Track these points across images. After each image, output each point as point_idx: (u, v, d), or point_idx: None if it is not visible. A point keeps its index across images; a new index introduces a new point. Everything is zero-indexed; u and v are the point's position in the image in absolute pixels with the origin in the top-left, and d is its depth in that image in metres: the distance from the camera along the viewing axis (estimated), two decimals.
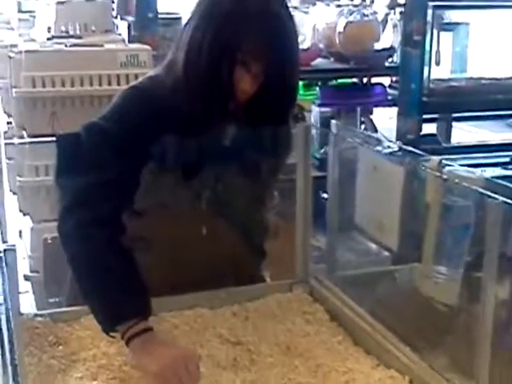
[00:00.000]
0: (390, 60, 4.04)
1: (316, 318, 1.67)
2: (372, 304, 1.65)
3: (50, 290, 2.48)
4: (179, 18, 4.30)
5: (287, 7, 1.57)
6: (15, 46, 3.14)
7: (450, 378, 1.38)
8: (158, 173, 1.59)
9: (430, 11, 3.66)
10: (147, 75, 1.68)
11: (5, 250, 0.93)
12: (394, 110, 3.92)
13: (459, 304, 1.50)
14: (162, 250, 1.63)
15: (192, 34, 1.53)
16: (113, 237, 1.49)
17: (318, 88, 3.98)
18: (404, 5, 3.86)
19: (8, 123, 3.29)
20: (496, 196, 1.19)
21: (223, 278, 1.72)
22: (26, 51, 2.87)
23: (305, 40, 4.02)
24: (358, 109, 3.89)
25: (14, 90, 2.88)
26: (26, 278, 2.73)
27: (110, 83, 2.89)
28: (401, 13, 4.01)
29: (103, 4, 3.70)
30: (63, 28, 3.40)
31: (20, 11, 4.93)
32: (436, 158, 1.42)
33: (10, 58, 3.01)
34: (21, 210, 2.89)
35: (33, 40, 3.45)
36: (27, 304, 2.60)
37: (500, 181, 1.26)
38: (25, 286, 2.75)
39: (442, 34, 4.08)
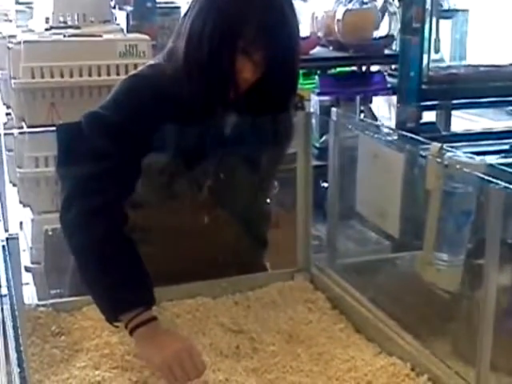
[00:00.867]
0: (389, 48, 4.02)
1: (318, 306, 1.67)
2: (373, 292, 1.65)
3: (52, 282, 2.48)
4: (178, 8, 4.28)
5: None
6: (14, 36, 3.13)
7: (452, 365, 1.38)
8: (159, 162, 1.59)
9: None
10: (147, 64, 1.68)
11: (7, 239, 0.93)
12: (394, 98, 3.92)
13: (461, 291, 1.50)
14: (164, 239, 1.63)
15: (193, 22, 1.52)
16: (115, 226, 1.49)
17: (316, 77, 3.96)
18: None
19: (7, 114, 3.28)
20: (498, 181, 1.19)
21: (225, 267, 1.72)
22: (25, 42, 2.86)
23: (303, 28, 4.01)
24: (358, 97, 3.88)
25: (12, 81, 2.87)
26: (27, 269, 2.73)
27: (108, 73, 2.88)
28: (399, 0, 3.99)
29: None
30: (61, 18, 3.38)
31: (17, 3, 4.91)
32: (437, 144, 1.42)
33: (9, 48, 2.99)
34: (21, 202, 2.89)
35: (31, 31, 3.43)
36: (28, 295, 2.61)
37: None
38: (26, 277, 2.75)
39: (441, 21, 4.07)
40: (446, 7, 4.53)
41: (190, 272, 1.66)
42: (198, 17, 1.52)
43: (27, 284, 2.75)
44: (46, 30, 3.27)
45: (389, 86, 3.97)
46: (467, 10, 5.06)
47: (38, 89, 2.83)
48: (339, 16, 3.80)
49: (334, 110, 1.76)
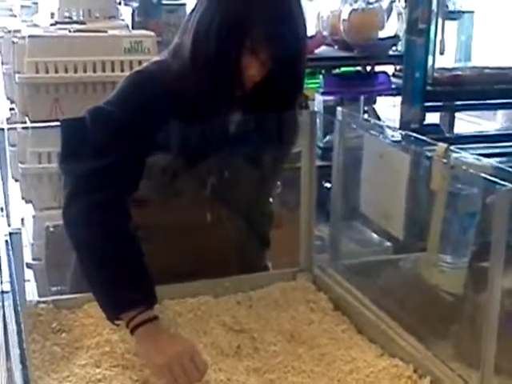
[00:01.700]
0: (394, 48, 4.01)
1: (320, 306, 1.66)
2: (376, 293, 1.64)
3: (52, 278, 2.47)
4: (183, 5, 4.27)
5: None
6: (18, 31, 3.12)
7: (455, 368, 1.37)
8: (163, 159, 1.58)
9: None
10: (153, 60, 1.67)
11: (10, 234, 0.92)
12: (398, 99, 3.91)
13: (465, 293, 1.50)
14: (167, 237, 1.63)
15: (200, 19, 1.52)
16: (118, 222, 1.48)
17: (321, 76, 3.95)
18: None
19: (11, 109, 3.27)
20: (504, 183, 1.18)
21: (227, 266, 1.72)
22: (30, 36, 2.85)
23: (309, 28, 3.99)
24: (362, 97, 3.87)
25: (17, 75, 2.86)
26: (28, 265, 2.72)
27: (113, 69, 2.87)
28: (405, 1, 3.98)
29: None
30: (66, 14, 3.37)
31: None
32: (443, 145, 1.41)
33: (14, 43, 2.99)
34: (23, 198, 2.88)
35: (36, 26, 3.43)
36: (29, 292, 2.60)
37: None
38: (27, 274, 2.74)
39: (447, 22, 4.05)
40: (451, 8, 4.53)
41: (192, 270, 1.66)
42: (205, 13, 1.51)
43: (28, 281, 2.74)
44: (51, 25, 3.27)
45: (393, 86, 3.96)
46: (473, 12, 5.06)
47: (41, 84, 2.81)
48: (345, 16, 3.79)
49: (339, 109, 1.75)
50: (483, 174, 1.27)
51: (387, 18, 4.03)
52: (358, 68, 4.03)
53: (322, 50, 3.89)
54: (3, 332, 1.10)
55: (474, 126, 5.37)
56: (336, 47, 3.95)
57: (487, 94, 4.03)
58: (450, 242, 1.51)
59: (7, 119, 3.19)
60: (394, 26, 4.14)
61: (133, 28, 3.54)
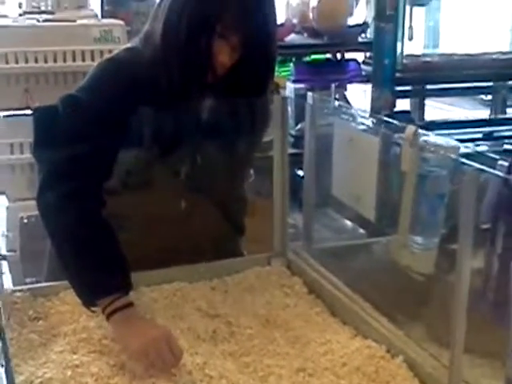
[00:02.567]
0: (363, 35, 4.04)
1: (294, 290, 1.68)
2: (350, 276, 1.66)
3: (27, 269, 2.47)
4: None
5: None
6: None
7: (427, 347, 1.40)
8: (135, 148, 1.59)
9: None
10: (124, 47, 1.67)
11: None
12: (368, 86, 3.94)
13: (435, 274, 1.52)
14: (142, 225, 1.64)
15: (171, 5, 1.52)
16: (93, 209, 1.49)
17: (292, 64, 3.97)
18: None
19: None
20: (471, 163, 1.20)
21: (202, 253, 1.73)
22: None
23: (278, 15, 4.00)
24: (333, 85, 3.89)
25: None
26: (3, 257, 2.71)
27: (83, 59, 2.86)
28: None
29: None
30: (35, 4, 3.35)
31: None
32: (412, 127, 1.43)
33: None
34: None
35: (4, 16, 3.39)
36: (4, 284, 2.58)
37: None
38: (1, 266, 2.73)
39: (415, 9, 4.09)
40: None
41: (167, 257, 1.67)
42: (175, 1, 1.52)
43: (3, 273, 2.72)
44: (20, 15, 3.24)
45: (363, 73, 3.98)
46: None
47: (12, 74, 2.80)
48: (314, 3, 3.81)
49: (309, 93, 1.77)
50: (451, 155, 1.29)
51: (356, 5, 4.06)
52: (328, 55, 4.06)
53: (292, 38, 3.91)
54: None
55: (445, 113, 5.42)
56: (306, 35, 3.96)
57: (455, 80, 4.08)
58: (420, 223, 1.53)
59: None
60: (362, 13, 4.17)
61: (102, 17, 3.51)
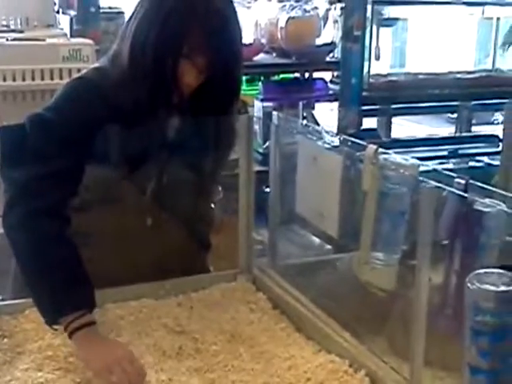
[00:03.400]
0: (331, 55, 4.10)
1: (259, 306, 1.70)
2: (314, 292, 1.69)
3: None
4: (122, 13, 4.28)
5: (231, 2, 1.60)
6: None
7: (388, 361, 1.43)
8: (102, 165, 1.60)
9: (369, 7, 3.74)
10: (92, 66, 1.69)
11: None
12: (335, 104, 3.99)
13: (396, 289, 1.55)
14: (108, 242, 1.65)
15: (137, 27, 1.55)
16: (57, 228, 1.50)
17: (260, 83, 4.01)
18: (344, 0, 3.92)
19: None
20: (429, 181, 1.23)
21: (168, 269, 1.74)
22: None
23: (247, 35, 4.05)
24: (300, 103, 3.94)
25: None
26: None
27: (52, 77, 2.87)
28: (341, 8, 4.07)
29: None
30: (4, 22, 3.36)
31: None
32: (373, 146, 1.46)
33: None
34: None
35: None
36: None
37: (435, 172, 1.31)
38: None
39: (382, 29, 4.16)
40: (386, 15, 4.63)
41: (133, 275, 1.67)
42: (142, 22, 1.55)
43: None
44: None
45: (331, 92, 4.04)
46: (407, 19, 5.18)
47: None
48: (282, 23, 3.86)
49: (275, 113, 1.79)
50: (409, 173, 1.33)
51: (324, 26, 4.11)
52: (297, 74, 4.11)
53: (261, 58, 3.96)
54: None
55: (412, 130, 5.49)
56: (274, 54, 4.02)
57: (420, 99, 4.15)
58: (382, 239, 1.56)
59: None
60: (330, 33, 4.22)
61: (71, 36, 3.53)
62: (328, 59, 4.07)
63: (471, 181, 1.24)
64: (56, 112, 1.57)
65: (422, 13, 5.33)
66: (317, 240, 2.69)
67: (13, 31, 3.28)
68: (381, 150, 1.48)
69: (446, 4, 4.41)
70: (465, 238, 1.44)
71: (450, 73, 4.37)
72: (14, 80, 2.84)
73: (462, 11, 4.56)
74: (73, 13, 4.03)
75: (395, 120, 4.49)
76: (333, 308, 1.60)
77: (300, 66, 3.99)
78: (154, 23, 1.53)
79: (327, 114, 4.38)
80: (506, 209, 1.18)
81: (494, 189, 1.22)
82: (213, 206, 1.89)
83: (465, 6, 4.35)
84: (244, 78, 4.09)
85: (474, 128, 4.67)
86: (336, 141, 1.68)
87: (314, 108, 4.14)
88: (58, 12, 4.01)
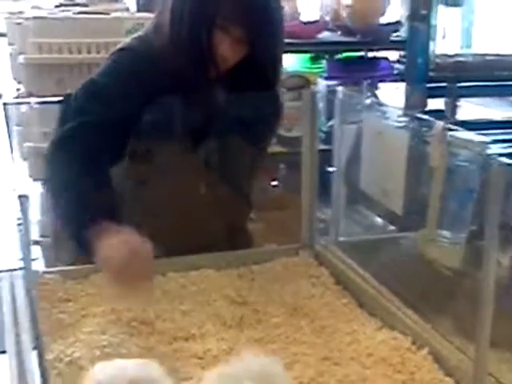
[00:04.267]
0: (396, 34, 4.03)
1: (321, 281, 1.69)
2: (377, 269, 1.67)
3: (60, 255, 2.49)
4: None
5: None
6: (23, 12, 3.14)
7: (453, 341, 1.40)
8: (154, 135, 1.62)
9: None
10: (135, 36, 1.71)
11: (19, 197, 0.93)
12: (400, 85, 3.93)
13: (463, 268, 1.52)
14: (164, 210, 1.67)
15: None
16: (98, 174, 1.54)
17: (324, 61, 3.97)
18: None
19: (17, 90, 3.29)
20: (499, 158, 1.19)
21: (217, 238, 1.76)
22: (34, 18, 2.88)
23: (312, 13, 4.02)
24: (364, 82, 3.89)
25: (21, 56, 2.88)
26: (37, 242, 2.75)
27: None
28: None
29: None
30: None
31: None
32: (441, 123, 1.43)
33: (18, 24, 3.01)
34: (30, 176, 2.90)
35: (40, 8, 3.44)
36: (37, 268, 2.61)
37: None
38: (35, 251, 2.77)
39: (450, 9, 4.07)
40: None
41: (186, 242, 1.68)
42: None
43: (36, 259, 2.76)
44: (55, 6, 3.28)
45: (396, 72, 3.97)
46: None
47: (45, 65, 2.85)
48: (347, 1, 3.80)
49: (340, 88, 1.78)
50: (478, 150, 1.29)
51: (389, 4, 4.04)
52: (361, 53, 4.05)
53: (325, 35, 3.91)
54: (11, 299, 1.13)
55: (478, 113, 5.38)
56: (339, 32, 3.96)
57: (488, 80, 4.05)
58: (449, 217, 1.53)
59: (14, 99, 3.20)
60: (395, 12, 4.15)
61: (138, 10, 3.55)
62: (393, 38, 4.00)
63: None
64: (102, 77, 1.62)
65: None
66: (380, 220, 2.66)
67: (77, 5, 3.32)
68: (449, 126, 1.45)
69: None
70: None
71: None
72: (80, 53, 2.89)
73: None
74: None
75: (461, 103, 4.40)
76: (396, 285, 1.58)
77: (364, 45, 3.94)
78: None
79: (391, 95, 4.32)
80: None
81: None
82: (275, 182, 1.89)
83: None
84: (308, 55, 4.07)
85: None
86: (402, 118, 1.66)
87: (377, 88, 4.08)
88: None
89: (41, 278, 1.59)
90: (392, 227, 2.27)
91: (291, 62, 3.93)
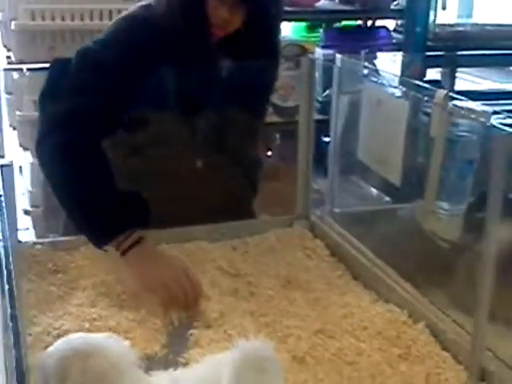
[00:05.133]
0: (395, 3, 3.97)
1: (316, 252, 1.66)
2: (373, 240, 1.64)
3: (50, 225, 2.47)
4: None
5: None
6: None
7: (450, 314, 1.38)
8: (150, 106, 1.60)
9: None
10: (139, 4, 1.68)
11: (1, 166, 0.89)
12: (398, 55, 3.88)
13: (461, 240, 1.49)
14: (159, 182, 1.63)
15: None
16: (95, 159, 1.50)
17: (321, 30, 3.91)
18: None
19: (7, 57, 3.23)
20: (503, 127, 1.16)
21: (216, 210, 1.71)
22: None
23: None
24: (362, 52, 3.83)
25: (12, 22, 2.83)
26: (27, 212, 2.73)
27: (110, 18, 2.82)
28: None
29: None
30: None
31: None
32: (442, 91, 1.39)
33: None
34: (21, 145, 2.86)
35: None
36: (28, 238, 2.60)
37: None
38: (26, 221, 2.75)
39: None
40: None
41: (182, 215, 1.65)
42: None
43: (27, 229, 2.74)
44: None
45: (394, 41, 3.92)
46: None
47: (37, 31, 2.79)
48: None
49: (338, 56, 1.73)
50: (481, 119, 1.25)
51: None
52: (359, 22, 4.00)
53: (323, 4, 3.84)
54: None
55: (476, 84, 5.34)
56: (337, 1, 3.90)
57: (487, 49, 4.01)
58: (448, 188, 1.51)
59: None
60: None
61: None
62: (392, 7, 3.94)
63: None
64: (104, 47, 1.56)
65: None
66: (376, 191, 2.64)
67: None
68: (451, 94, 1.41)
69: None
70: None
71: None
72: (73, 20, 2.84)
73: None
74: None
75: (458, 74, 4.35)
76: (393, 258, 1.55)
77: (363, 13, 3.87)
78: None
79: (389, 64, 4.26)
80: None
81: None
82: (269, 153, 1.85)
83: None
84: (305, 24, 4.01)
85: None
86: (401, 87, 1.62)
87: (376, 57, 4.03)
88: None
89: (30, 248, 1.57)
90: (388, 198, 2.24)
91: (286, 31, 3.87)
